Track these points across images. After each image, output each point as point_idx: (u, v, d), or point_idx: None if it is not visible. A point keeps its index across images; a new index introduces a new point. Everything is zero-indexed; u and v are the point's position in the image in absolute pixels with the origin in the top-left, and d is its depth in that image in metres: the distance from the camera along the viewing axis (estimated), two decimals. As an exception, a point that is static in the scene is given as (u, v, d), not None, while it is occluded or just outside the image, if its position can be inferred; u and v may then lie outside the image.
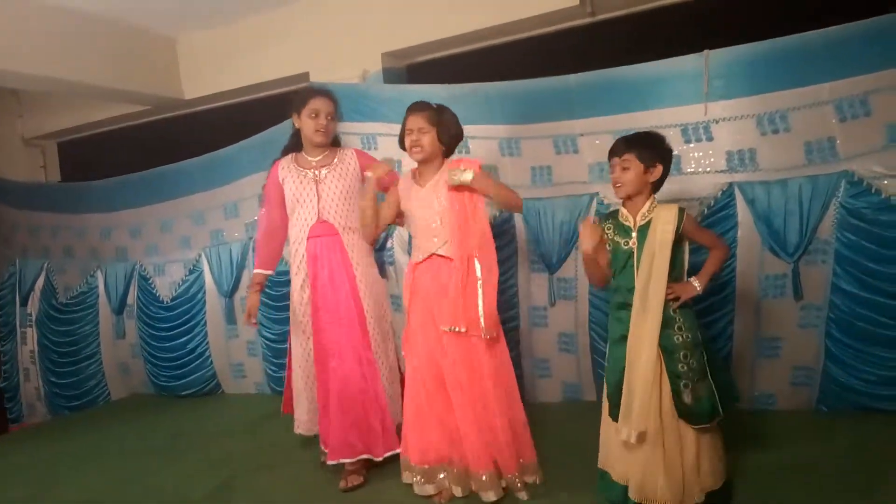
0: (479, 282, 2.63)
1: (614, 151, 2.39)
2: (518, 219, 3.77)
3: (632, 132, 2.51)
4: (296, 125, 2.97)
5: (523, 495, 2.63)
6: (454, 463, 2.68)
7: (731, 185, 3.30)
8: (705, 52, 3.26)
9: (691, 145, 3.37)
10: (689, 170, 3.39)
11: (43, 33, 4.42)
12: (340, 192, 2.92)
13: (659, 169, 2.36)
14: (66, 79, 4.63)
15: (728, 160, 3.32)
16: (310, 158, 2.96)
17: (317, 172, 2.93)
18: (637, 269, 2.33)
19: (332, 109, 2.91)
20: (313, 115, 2.87)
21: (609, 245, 2.45)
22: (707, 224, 3.32)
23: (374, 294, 3.01)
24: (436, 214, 2.67)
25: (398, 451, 2.86)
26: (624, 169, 2.34)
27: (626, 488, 2.35)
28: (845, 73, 3.04)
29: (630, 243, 2.36)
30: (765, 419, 3.26)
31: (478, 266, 2.64)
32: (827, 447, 2.87)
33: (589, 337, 3.73)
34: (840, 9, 3.17)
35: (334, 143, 3.06)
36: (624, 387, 2.31)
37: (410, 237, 2.94)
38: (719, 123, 3.30)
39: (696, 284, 2.35)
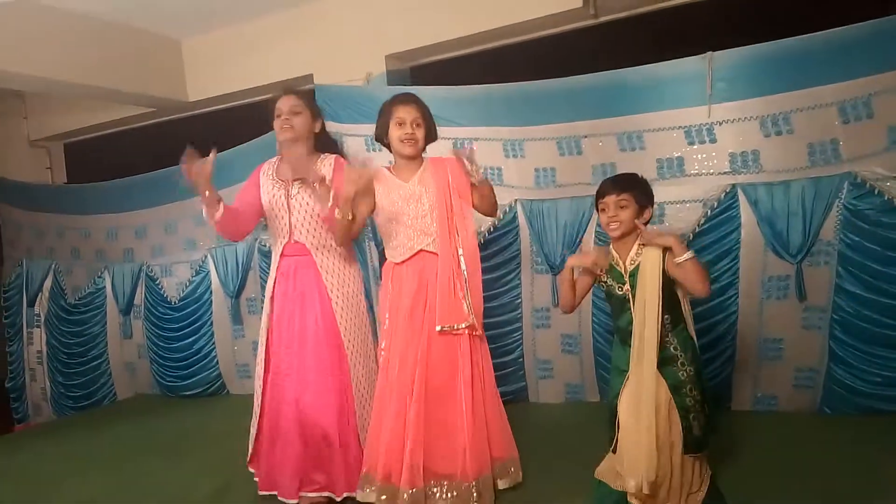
0: (466, 278, 2.61)
1: (608, 191, 2.34)
2: (522, 220, 3.78)
3: (618, 174, 2.50)
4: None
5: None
6: (439, 477, 2.56)
7: (734, 186, 3.31)
8: (708, 53, 3.27)
9: (694, 147, 3.38)
10: (692, 171, 3.40)
11: (48, 36, 4.45)
12: (313, 210, 2.69)
13: (649, 212, 2.37)
14: (72, 81, 4.66)
15: (731, 162, 3.32)
16: (285, 168, 2.77)
17: (289, 188, 2.73)
18: (634, 312, 2.30)
19: (295, 103, 2.72)
20: (277, 115, 2.72)
21: (603, 287, 2.43)
22: (710, 226, 3.35)
23: (352, 316, 2.80)
24: (426, 210, 2.61)
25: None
26: (622, 207, 2.31)
27: (623, 494, 2.35)
28: (848, 75, 3.05)
29: (624, 289, 2.34)
30: (767, 421, 3.27)
31: (463, 263, 2.62)
32: (829, 449, 2.88)
33: (592, 338, 3.73)
34: (843, 11, 3.17)
35: (323, 147, 2.85)
36: (630, 438, 2.26)
37: (380, 236, 2.77)
38: (722, 125, 3.31)
39: (681, 255, 2.20)
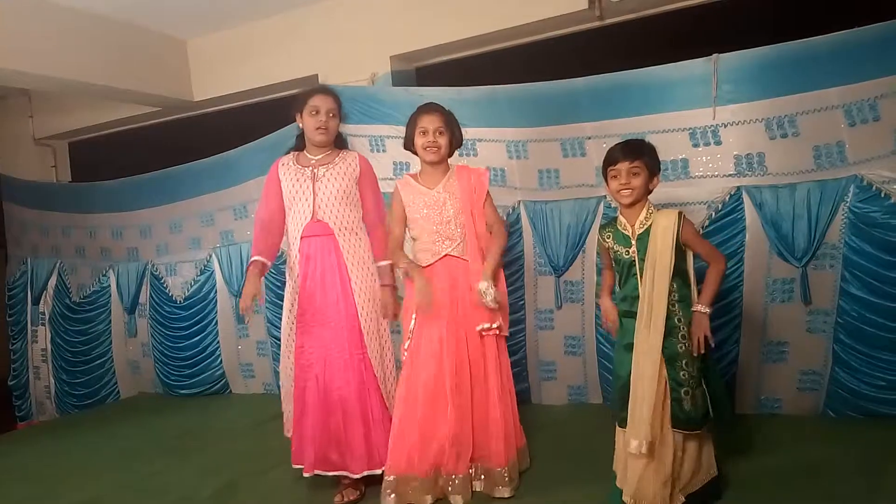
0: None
1: (620, 158, 2.37)
2: (525, 221, 3.78)
3: (630, 138, 2.53)
4: (299, 125, 2.90)
5: (506, 492, 2.66)
6: (456, 468, 2.67)
7: (739, 188, 3.31)
8: (714, 55, 3.26)
9: (699, 149, 3.37)
10: (697, 173, 3.39)
11: (54, 34, 4.46)
12: (338, 191, 2.82)
13: (658, 178, 2.42)
14: (77, 80, 4.68)
15: (736, 164, 3.31)
16: (310, 157, 2.89)
17: (315, 170, 2.84)
18: (640, 277, 2.34)
19: (333, 107, 2.84)
20: (314, 113, 2.80)
21: (610, 254, 2.47)
22: (714, 228, 3.33)
23: (372, 299, 2.89)
24: (450, 216, 2.71)
25: (378, 470, 2.76)
26: (634, 174, 2.34)
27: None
28: (854, 77, 3.04)
29: (630, 252, 2.38)
30: (771, 424, 3.25)
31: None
32: (833, 452, 2.86)
33: (595, 340, 3.73)
34: (849, 13, 3.16)
35: (340, 144, 2.99)
36: (631, 398, 2.31)
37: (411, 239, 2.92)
38: (728, 127, 3.30)
39: (703, 308, 2.32)
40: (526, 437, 2.96)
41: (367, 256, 2.92)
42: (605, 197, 3.58)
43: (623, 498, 2.34)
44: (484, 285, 2.61)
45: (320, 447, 2.80)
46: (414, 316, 2.76)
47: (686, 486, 2.33)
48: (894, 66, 2.97)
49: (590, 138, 3.57)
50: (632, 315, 2.36)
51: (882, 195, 3.04)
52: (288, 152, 3.01)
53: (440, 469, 2.67)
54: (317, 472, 2.81)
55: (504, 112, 3.73)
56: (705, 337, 2.29)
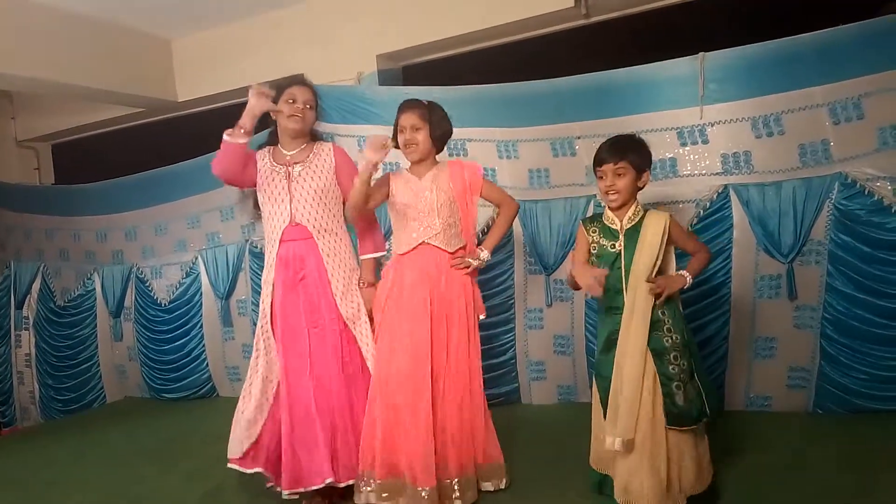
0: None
1: (605, 159, 2.36)
2: (515, 221, 3.76)
3: (614, 137, 2.50)
4: (273, 117, 2.79)
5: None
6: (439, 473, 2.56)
7: (726, 187, 3.33)
8: (700, 54, 3.28)
9: (687, 148, 3.39)
10: (684, 172, 3.41)
11: (37, 35, 4.40)
12: (315, 190, 2.71)
13: (647, 174, 2.40)
14: (60, 81, 4.62)
15: (723, 162, 3.33)
16: (285, 152, 2.77)
17: (290, 169, 2.73)
18: (624, 271, 2.34)
19: (310, 98, 2.76)
20: (290, 101, 2.71)
21: (594, 248, 2.46)
22: (702, 226, 3.35)
23: (353, 301, 2.78)
24: (433, 206, 2.67)
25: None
26: (619, 175, 2.34)
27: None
28: (839, 76, 3.07)
29: (617, 246, 2.38)
30: (761, 421, 3.28)
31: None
32: (822, 448, 2.89)
33: (584, 339, 3.73)
34: (834, 12, 3.19)
35: (315, 138, 2.88)
36: (611, 393, 2.30)
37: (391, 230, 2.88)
38: (714, 126, 3.32)
39: (687, 275, 2.35)
40: (514, 436, 2.89)
41: (349, 256, 2.82)
42: (594, 196, 3.58)
43: (615, 497, 2.33)
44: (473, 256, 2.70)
45: (306, 461, 2.64)
46: (383, 309, 2.70)
47: (689, 490, 2.31)
48: (878, 64, 3.01)
49: (579, 137, 3.57)
50: (613, 310, 2.36)
51: (866, 192, 3.07)
52: (260, 148, 2.88)
53: (404, 479, 2.55)
54: (304, 488, 2.61)
55: (492, 111, 3.73)
56: (661, 295, 2.30)
